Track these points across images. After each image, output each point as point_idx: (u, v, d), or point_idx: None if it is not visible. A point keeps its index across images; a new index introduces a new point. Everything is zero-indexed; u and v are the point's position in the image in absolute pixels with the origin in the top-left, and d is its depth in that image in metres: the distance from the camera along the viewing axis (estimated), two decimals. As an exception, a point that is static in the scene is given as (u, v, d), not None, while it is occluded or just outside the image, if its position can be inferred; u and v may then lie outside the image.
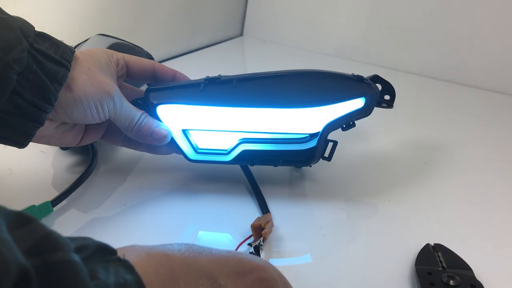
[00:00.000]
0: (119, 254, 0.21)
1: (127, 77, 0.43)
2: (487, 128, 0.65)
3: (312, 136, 0.44)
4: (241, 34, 1.06)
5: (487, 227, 0.43)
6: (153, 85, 0.43)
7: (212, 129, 0.43)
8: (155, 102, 0.41)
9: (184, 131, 0.43)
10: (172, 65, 0.61)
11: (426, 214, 0.44)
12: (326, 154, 0.45)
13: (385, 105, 0.46)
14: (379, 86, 0.45)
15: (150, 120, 0.41)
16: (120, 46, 0.65)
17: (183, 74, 0.45)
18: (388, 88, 0.46)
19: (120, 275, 0.19)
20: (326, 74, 0.43)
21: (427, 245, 0.39)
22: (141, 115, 0.40)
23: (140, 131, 0.40)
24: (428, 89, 0.80)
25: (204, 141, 0.45)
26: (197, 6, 0.93)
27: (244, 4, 1.04)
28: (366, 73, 0.46)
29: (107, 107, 0.38)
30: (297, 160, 0.45)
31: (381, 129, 0.61)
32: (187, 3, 0.90)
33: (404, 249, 0.39)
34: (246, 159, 0.45)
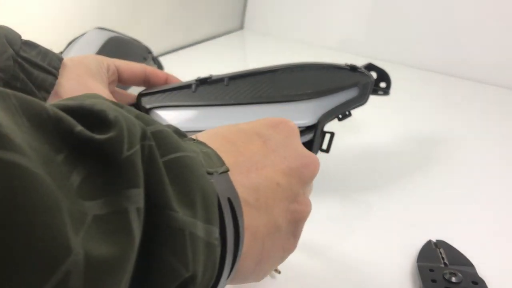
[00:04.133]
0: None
1: (118, 82, 0.43)
2: (489, 122, 0.63)
3: (308, 128, 0.44)
4: (242, 28, 1.04)
5: (490, 223, 0.42)
6: (145, 89, 0.42)
7: (207, 129, 0.43)
8: (147, 107, 0.41)
9: (179, 134, 0.43)
10: (170, 59, 0.61)
11: (428, 210, 0.44)
12: (324, 146, 0.45)
13: (381, 92, 0.46)
14: (374, 74, 0.45)
15: None
16: (118, 40, 0.65)
17: (175, 77, 0.45)
18: (383, 75, 0.45)
19: (199, 147, 0.22)
20: (318, 66, 0.43)
21: (429, 241, 0.38)
22: None
23: (133, 136, 0.40)
24: (430, 83, 0.78)
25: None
26: None
27: (244, -3, 1.03)
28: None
29: None
30: None
31: (381, 123, 0.60)
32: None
33: (406, 246, 0.38)
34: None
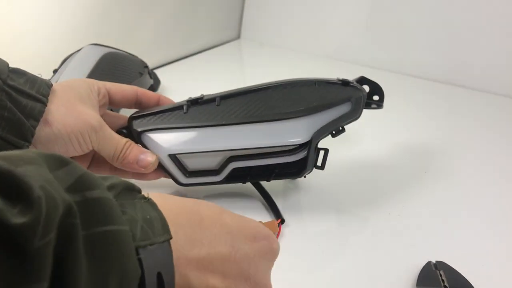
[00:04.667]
0: (144, 193, 0.23)
1: (110, 105, 0.42)
2: (491, 133, 0.63)
3: (302, 146, 0.43)
4: (238, 37, 1.04)
5: (492, 243, 0.41)
6: (136, 112, 0.42)
7: (200, 150, 0.42)
8: (139, 130, 0.40)
9: (171, 156, 0.42)
10: (168, 71, 0.59)
11: (428, 229, 0.43)
12: (319, 163, 0.44)
13: (374, 106, 0.46)
14: (367, 88, 0.45)
15: (135, 148, 0.40)
16: (113, 55, 0.65)
17: (168, 98, 0.44)
18: (376, 88, 0.45)
19: (146, 211, 0.21)
20: (310, 81, 0.43)
21: (429, 263, 0.38)
22: (125, 144, 0.40)
23: (125, 160, 0.40)
24: (429, 92, 0.78)
25: (193, 162, 0.44)
26: (192, 9, 0.92)
27: (241, 6, 1.03)
28: (364, 75, 0.45)
29: (89, 138, 0.37)
30: (290, 172, 0.44)
31: (380, 134, 0.60)
32: (181, 7, 0.89)
33: (405, 267, 0.38)
34: (238, 176, 0.44)
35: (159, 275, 0.20)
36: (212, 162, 0.43)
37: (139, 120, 0.41)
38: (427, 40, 0.81)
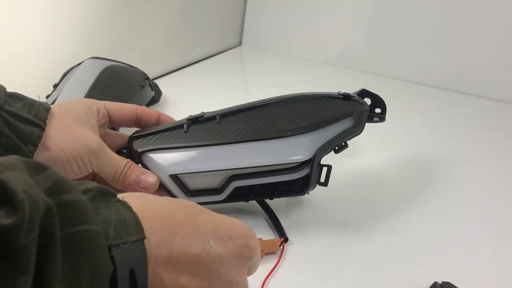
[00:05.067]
0: (119, 196, 0.25)
1: (109, 124, 0.42)
2: (497, 143, 0.61)
3: (304, 163, 0.42)
4: (240, 44, 1.03)
5: (499, 261, 0.40)
6: (136, 131, 0.41)
7: (201, 170, 0.42)
8: (139, 151, 0.40)
9: (172, 176, 0.42)
10: (169, 80, 0.58)
11: (434, 247, 0.42)
12: (322, 179, 0.44)
13: (377, 119, 0.45)
14: (368, 101, 0.44)
15: (136, 169, 0.40)
16: (114, 68, 0.64)
17: (168, 116, 0.44)
18: (378, 101, 0.44)
19: (120, 213, 0.23)
20: (311, 97, 0.42)
21: (435, 283, 0.37)
22: (126, 165, 0.39)
23: (126, 182, 0.39)
24: (431, 100, 0.77)
25: (195, 182, 0.43)
26: (193, 17, 0.91)
27: (242, 13, 1.02)
28: (365, 82, 0.45)
29: (89, 161, 0.37)
30: (292, 190, 0.43)
31: (382, 145, 0.59)
32: (182, 15, 0.89)
33: None
34: (240, 195, 0.43)
35: (131, 272, 0.22)
36: (213, 181, 0.43)
37: (139, 140, 0.40)
38: (429, 46, 0.80)
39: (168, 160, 0.41)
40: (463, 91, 0.78)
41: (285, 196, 0.47)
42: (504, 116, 0.70)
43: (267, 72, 0.88)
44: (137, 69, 0.70)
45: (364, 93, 0.44)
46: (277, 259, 0.40)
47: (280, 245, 0.41)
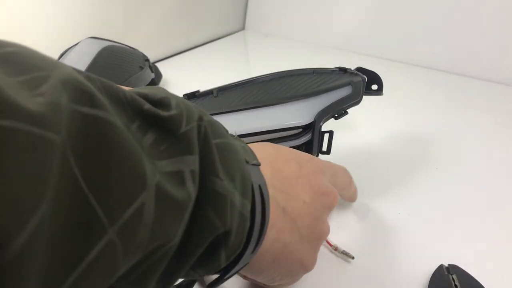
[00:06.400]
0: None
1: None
2: (504, 126, 0.59)
3: (305, 129, 0.41)
4: (243, 28, 1.02)
5: (506, 243, 0.39)
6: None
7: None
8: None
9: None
10: (170, 64, 0.56)
11: (439, 230, 0.40)
12: (324, 147, 0.43)
13: (375, 89, 0.44)
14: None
15: None
16: (112, 49, 0.63)
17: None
18: (374, 77, 0.44)
19: (239, 141, 0.26)
20: (308, 70, 0.42)
21: (441, 266, 0.35)
22: None
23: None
24: (438, 83, 0.75)
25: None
26: (196, 1, 0.89)
27: (245, -3, 1.00)
28: (370, 66, 0.45)
29: None
30: None
31: (388, 128, 0.57)
32: None
33: (415, 271, 0.36)
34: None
35: (260, 188, 0.24)
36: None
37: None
38: (435, 29, 0.79)
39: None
40: (470, 75, 0.76)
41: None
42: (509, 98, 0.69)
43: (270, 57, 0.87)
44: (137, 50, 0.69)
45: (359, 70, 0.44)
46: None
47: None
